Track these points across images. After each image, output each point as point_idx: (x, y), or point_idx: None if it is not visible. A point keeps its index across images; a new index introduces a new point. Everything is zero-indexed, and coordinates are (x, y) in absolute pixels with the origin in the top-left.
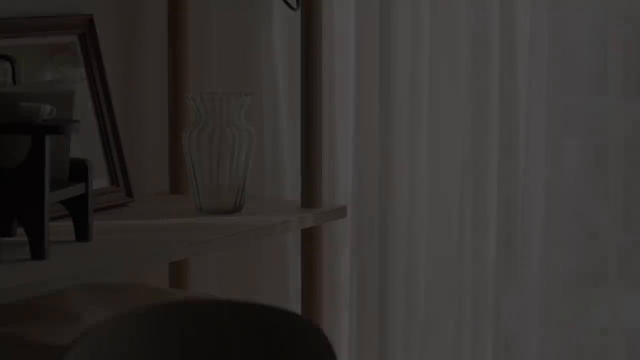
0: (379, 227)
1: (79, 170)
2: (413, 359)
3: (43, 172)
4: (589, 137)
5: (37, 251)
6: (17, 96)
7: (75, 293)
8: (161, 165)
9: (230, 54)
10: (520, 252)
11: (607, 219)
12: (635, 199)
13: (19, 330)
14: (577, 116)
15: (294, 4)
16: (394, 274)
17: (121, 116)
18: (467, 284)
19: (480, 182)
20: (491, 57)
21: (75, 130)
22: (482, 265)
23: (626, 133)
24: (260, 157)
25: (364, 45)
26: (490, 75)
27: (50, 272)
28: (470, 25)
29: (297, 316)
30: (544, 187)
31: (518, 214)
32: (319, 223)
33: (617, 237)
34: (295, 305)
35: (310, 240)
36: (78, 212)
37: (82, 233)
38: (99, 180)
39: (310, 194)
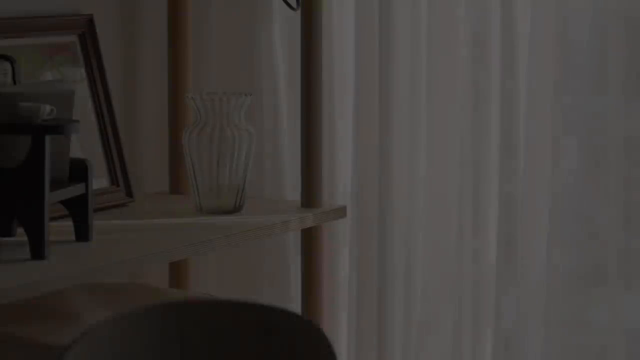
0: (378, 227)
1: (79, 170)
2: (412, 359)
3: (43, 172)
4: (589, 137)
5: (37, 251)
6: (17, 96)
7: (75, 293)
8: (161, 165)
9: (230, 54)
10: (520, 252)
11: (607, 219)
12: (635, 199)
13: (19, 330)
14: (577, 116)
15: (294, 4)
16: (393, 274)
17: (121, 116)
18: (466, 284)
19: (480, 182)
20: (491, 57)
21: (75, 130)
22: (481, 265)
23: (626, 133)
24: (260, 157)
25: (363, 45)
26: (490, 75)
27: (50, 272)
28: (470, 25)
29: (297, 316)
30: (544, 187)
31: (518, 214)
32: (319, 223)
33: (617, 237)
34: (295, 305)
35: (310, 240)
36: (78, 212)
37: (82, 233)
38: (99, 180)
39: (310, 194)
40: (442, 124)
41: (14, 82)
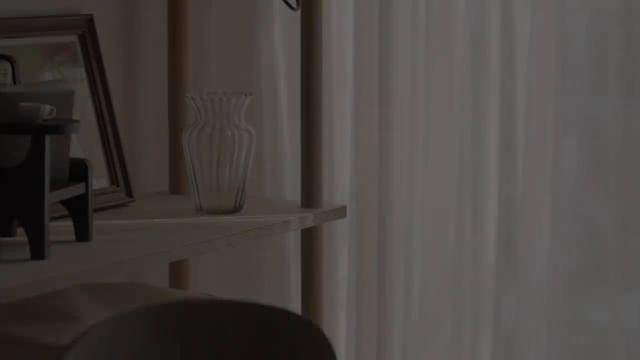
0: (378, 227)
1: (79, 170)
2: (412, 359)
3: (43, 172)
4: (589, 137)
5: (37, 251)
6: (17, 96)
7: (75, 293)
8: (161, 165)
9: (230, 54)
10: (520, 252)
11: (607, 219)
12: (635, 199)
13: (19, 330)
14: (577, 116)
15: (294, 4)
16: (393, 274)
17: (121, 116)
18: (466, 284)
19: (480, 182)
20: (490, 57)
21: (75, 130)
22: (481, 265)
23: (626, 133)
24: (260, 157)
25: (363, 46)
26: (489, 76)
27: (50, 272)
28: (469, 25)
29: (297, 316)
30: (544, 187)
31: (518, 214)
32: (319, 223)
33: (617, 237)
34: (295, 305)
35: (310, 240)
36: (78, 212)
37: (82, 233)
38: (99, 180)
39: (310, 194)
40: (441, 124)
41: (14, 82)
